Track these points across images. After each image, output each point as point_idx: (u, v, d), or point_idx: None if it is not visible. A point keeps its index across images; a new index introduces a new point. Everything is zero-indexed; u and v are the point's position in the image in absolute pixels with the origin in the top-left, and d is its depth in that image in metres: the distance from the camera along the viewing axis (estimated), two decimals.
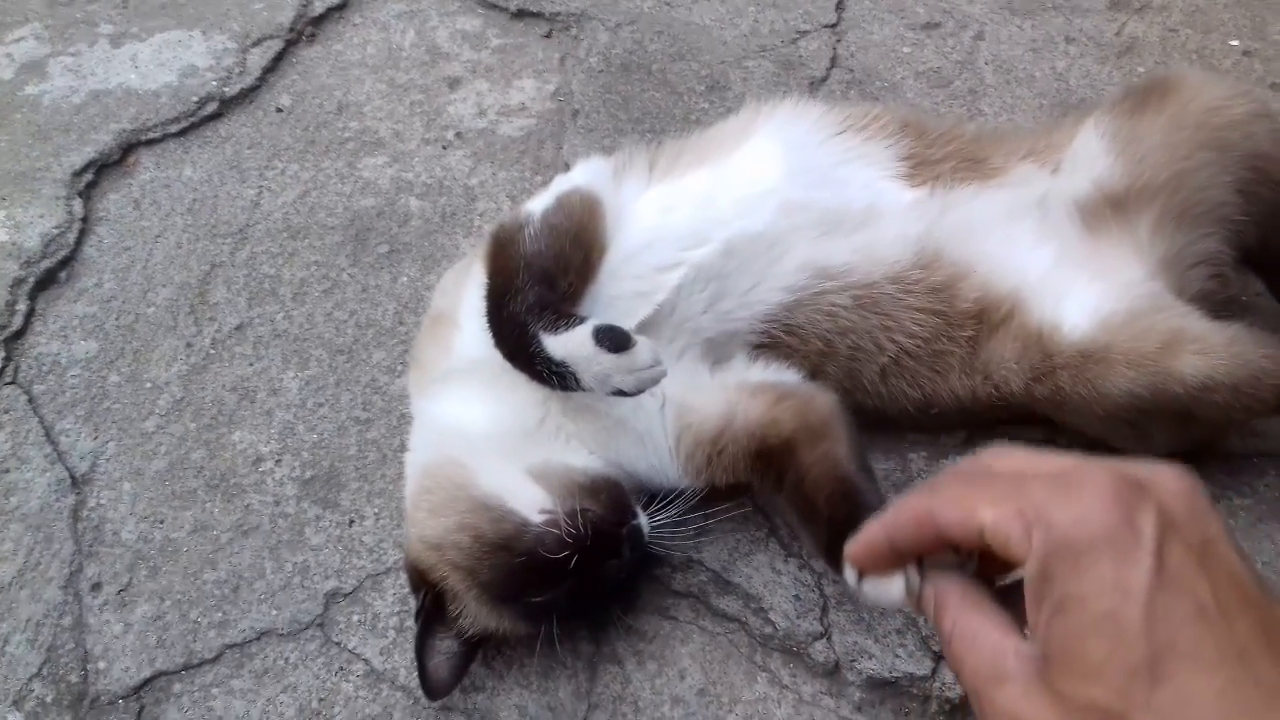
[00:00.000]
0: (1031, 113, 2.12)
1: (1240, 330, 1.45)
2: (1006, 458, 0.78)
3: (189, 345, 1.89)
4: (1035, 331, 1.52)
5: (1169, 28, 2.25)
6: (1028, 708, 0.68)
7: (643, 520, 1.44)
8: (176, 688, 1.54)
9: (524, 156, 2.12)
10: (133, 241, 2.05)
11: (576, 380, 1.33)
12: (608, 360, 1.30)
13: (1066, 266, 1.56)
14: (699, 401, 1.52)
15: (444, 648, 1.44)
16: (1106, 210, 1.55)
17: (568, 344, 1.32)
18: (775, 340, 1.57)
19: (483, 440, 1.48)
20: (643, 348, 1.30)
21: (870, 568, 0.86)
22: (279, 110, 2.23)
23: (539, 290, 1.38)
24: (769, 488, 1.50)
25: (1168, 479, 0.70)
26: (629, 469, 1.51)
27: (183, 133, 2.20)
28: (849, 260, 1.55)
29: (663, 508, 1.48)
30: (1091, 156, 1.57)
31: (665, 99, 2.19)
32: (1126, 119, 1.57)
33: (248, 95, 2.26)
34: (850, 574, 1.21)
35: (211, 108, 2.23)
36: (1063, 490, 0.70)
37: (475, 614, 1.42)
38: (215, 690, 1.53)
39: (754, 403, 1.51)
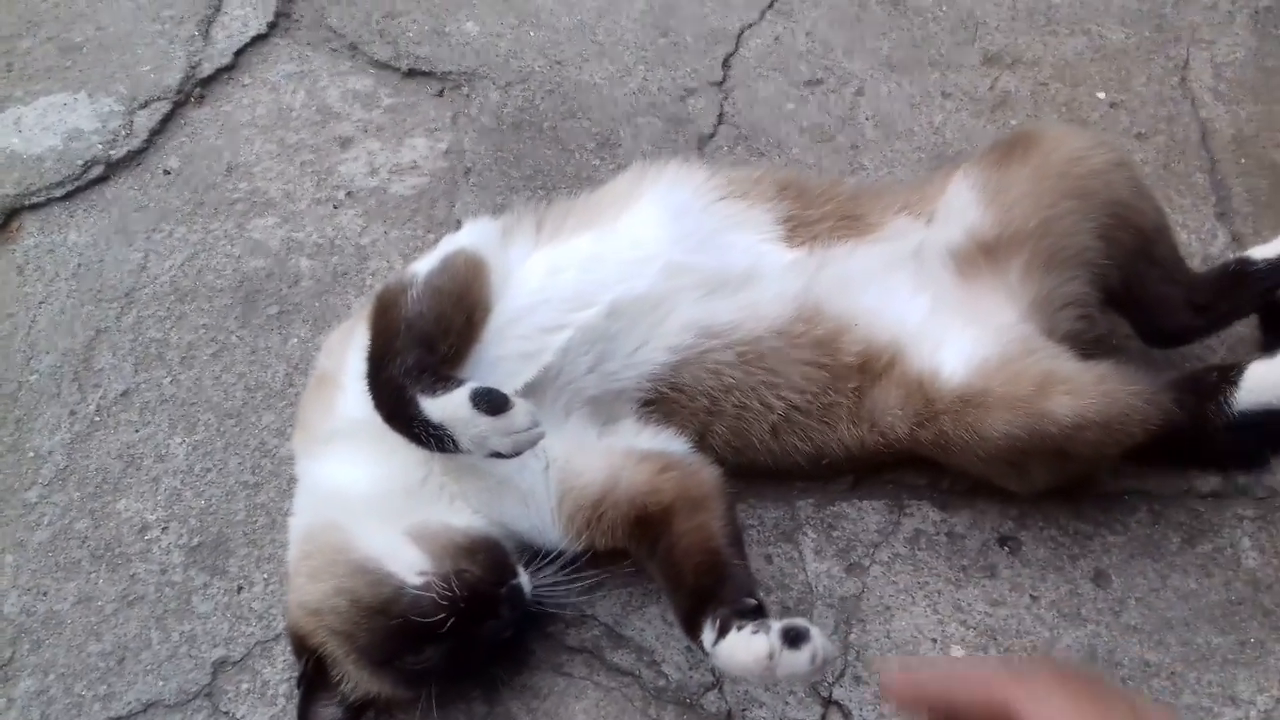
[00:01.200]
0: (911, 166, 2.19)
1: (1108, 369, 1.52)
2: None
3: (73, 413, 1.86)
4: (916, 379, 1.57)
5: (1039, 82, 2.34)
6: None
7: (524, 579, 1.45)
8: None
9: (416, 215, 2.13)
10: (16, 308, 2.02)
11: (454, 442, 1.34)
12: (485, 423, 1.31)
13: (942, 313, 1.62)
14: (583, 465, 1.54)
15: (327, 715, 1.43)
16: (979, 257, 1.61)
17: (445, 406, 1.33)
18: (662, 397, 1.59)
19: (362, 502, 1.48)
20: (520, 410, 1.32)
21: (901, 702, 0.84)
22: (166, 173, 2.21)
23: (418, 353, 1.39)
24: (643, 553, 1.51)
25: None
26: (512, 528, 1.52)
27: (68, 196, 2.18)
28: (732, 319, 1.59)
29: (546, 565, 1.48)
30: (963, 206, 1.64)
31: (556, 156, 2.22)
32: (994, 170, 1.64)
33: (134, 158, 2.24)
34: (708, 637, 1.24)
35: (97, 171, 2.20)
36: None
37: (356, 679, 1.42)
38: None
39: (638, 470, 1.53)
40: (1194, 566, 1.59)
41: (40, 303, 2.02)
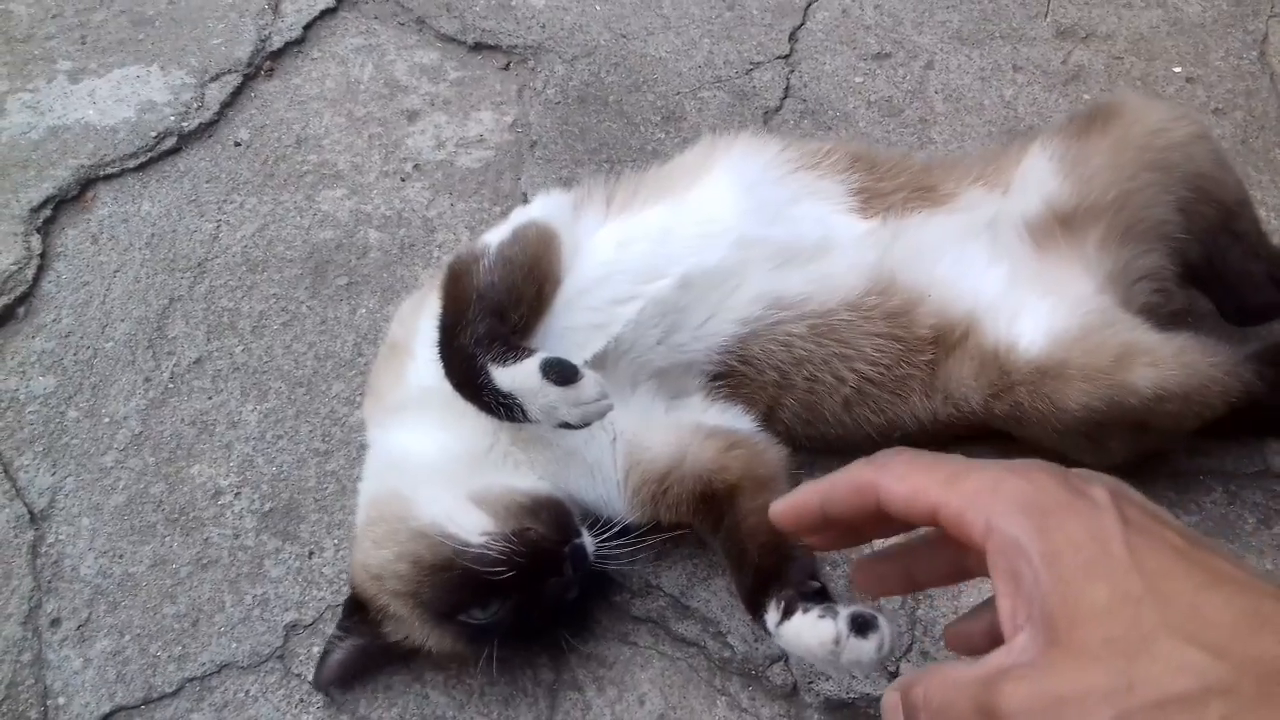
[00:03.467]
0: (980, 140, 2.16)
1: (1187, 340, 1.50)
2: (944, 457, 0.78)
3: (147, 380, 1.89)
4: (992, 350, 1.56)
5: (1114, 55, 2.30)
6: (1047, 683, 0.65)
7: (587, 540, 1.45)
8: None
9: (482, 188, 2.14)
10: (91, 277, 2.05)
11: (523, 412, 1.34)
12: (554, 393, 1.31)
13: (1019, 285, 1.59)
14: (651, 439, 1.54)
15: (352, 648, 1.49)
16: (1056, 228, 1.59)
17: (515, 375, 1.33)
18: (731, 371, 1.59)
19: (427, 469, 1.49)
20: (589, 382, 1.31)
21: (793, 527, 0.85)
22: (237, 144, 2.24)
23: (490, 322, 1.40)
24: (707, 528, 1.51)
25: (1101, 474, 0.73)
26: (577, 497, 1.52)
27: (141, 168, 2.20)
28: (804, 290, 1.58)
29: (610, 533, 1.49)
30: (1040, 178, 1.61)
31: (622, 129, 2.22)
32: (1073, 141, 1.61)
33: (206, 130, 2.26)
34: (772, 618, 1.23)
35: (170, 143, 2.23)
36: (1014, 472, 0.72)
37: (420, 635, 1.45)
38: None
39: (705, 446, 1.53)
40: (1270, 547, 1.56)
41: (115, 272, 2.05)
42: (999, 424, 1.58)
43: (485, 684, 1.52)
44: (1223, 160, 1.63)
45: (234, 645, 1.59)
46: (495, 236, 1.54)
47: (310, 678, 1.53)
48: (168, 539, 1.70)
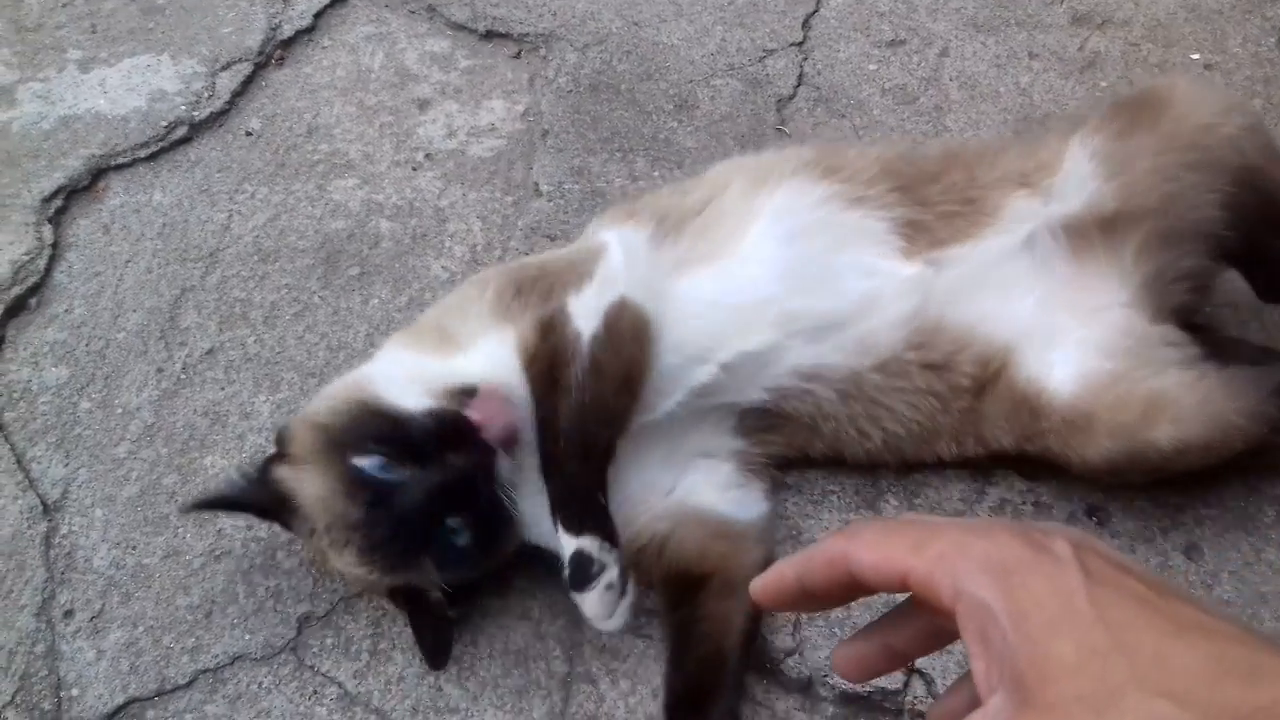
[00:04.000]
0: (996, 127, 2.14)
1: (1214, 384, 1.47)
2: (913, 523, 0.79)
3: (160, 370, 1.89)
4: (1023, 391, 1.54)
5: (1130, 42, 2.28)
6: None
7: (506, 464, 1.45)
8: (150, 714, 1.53)
9: (494, 177, 2.13)
10: (103, 267, 2.05)
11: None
12: (570, 586, 1.39)
13: (1052, 304, 1.57)
14: (643, 513, 1.56)
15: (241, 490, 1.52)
16: (1094, 232, 1.55)
17: (562, 542, 1.40)
18: (759, 412, 1.60)
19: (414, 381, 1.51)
20: (591, 600, 1.38)
21: (772, 603, 0.85)
22: (248, 134, 2.23)
23: (576, 467, 1.44)
24: (665, 603, 1.54)
25: (1063, 526, 0.73)
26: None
27: (152, 157, 2.20)
28: (840, 361, 1.56)
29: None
30: (1082, 179, 1.57)
31: (634, 118, 2.21)
32: (1117, 141, 1.56)
33: (217, 119, 2.26)
34: None
35: (181, 132, 2.23)
36: (977, 533, 0.71)
37: (310, 482, 1.45)
38: (189, 716, 1.53)
39: (693, 531, 1.54)
40: None
41: (126, 262, 2.05)
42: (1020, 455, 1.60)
43: (499, 675, 1.52)
44: (1273, 149, 1.58)
45: (247, 637, 1.59)
46: (587, 325, 1.49)
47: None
48: (180, 530, 1.70)
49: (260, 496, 1.50)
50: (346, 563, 1.43)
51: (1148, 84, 1.76)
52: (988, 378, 1.57)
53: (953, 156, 1.71)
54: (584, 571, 1.36)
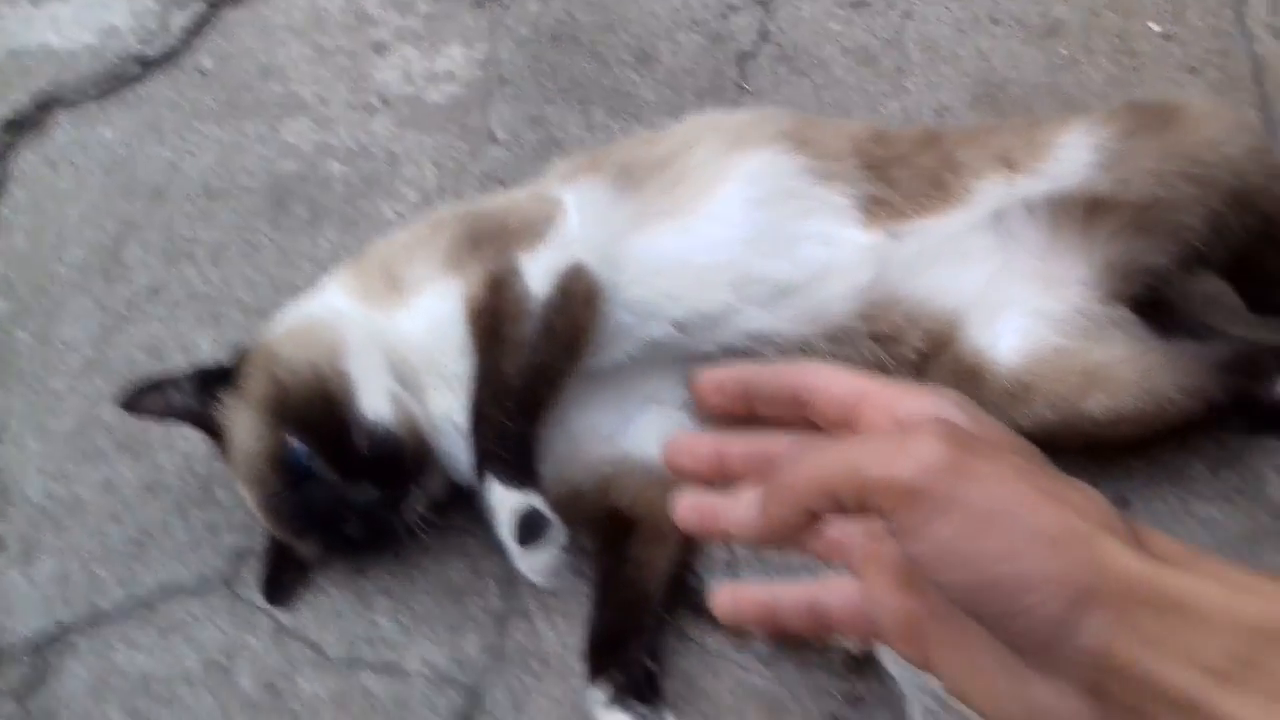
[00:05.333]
0: (956, 90, 2.14)
1: (1157, 360, 1.48)
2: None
3: (101, 306, 1.86)
4: (968, 364, 1.53)
5: (1093, 11, 2.28)
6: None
7: (417, 495, 1.48)
8: (81, 642, 1.52)
9: (450, 123, 2.10)
10: (47, 202, 2.01)
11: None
12: (510, 541, 1.35)
13: (1009, 279, 1.56)
14: (581, 460, 1.55)
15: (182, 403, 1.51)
16: (1077, 210, 1.54)
17: (498, 499, 1.36)
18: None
19: (373, 351, 1.51)
20: (538, 560, 1.35)
21: (711, 400, 0.86)
22: (201, 73, 2.19)
23: (515, 426, 1.41)
24: (595, 541, 1.54)
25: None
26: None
27: (101, 94, 2.16)
28: (789, 329, 1.54)
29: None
30: (1076, 164, 1.55)
31: (594, 69, 2.19)
32: (1122, 137, 1.55)
33: (169, 57, 2.21)
34: (598, 695, 1.39)
35: (131, 69, 2.18)
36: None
37: (242, 424, 1.47)
38: (118, 644, 1.51)
39: (631, 479, 1.54)
40: (1218, 495, 1.55)
41: (71, 197, 2.02)
42: None
43: (434, 610, 1.51)
44: (1275, 170, 1.57)
45: (182, 569, 1.57)
46: (540, 285, 1.47)
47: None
48: (117, 464, 1.67)
49: (199, 413, 1.50)
50: (248, 498, 1.50)
51: (1166, 97, 1.77)
52: (933, 350, 1.56)
53: (932, 138, 1.68)
54: (536, 529, 1.34)
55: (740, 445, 0.84)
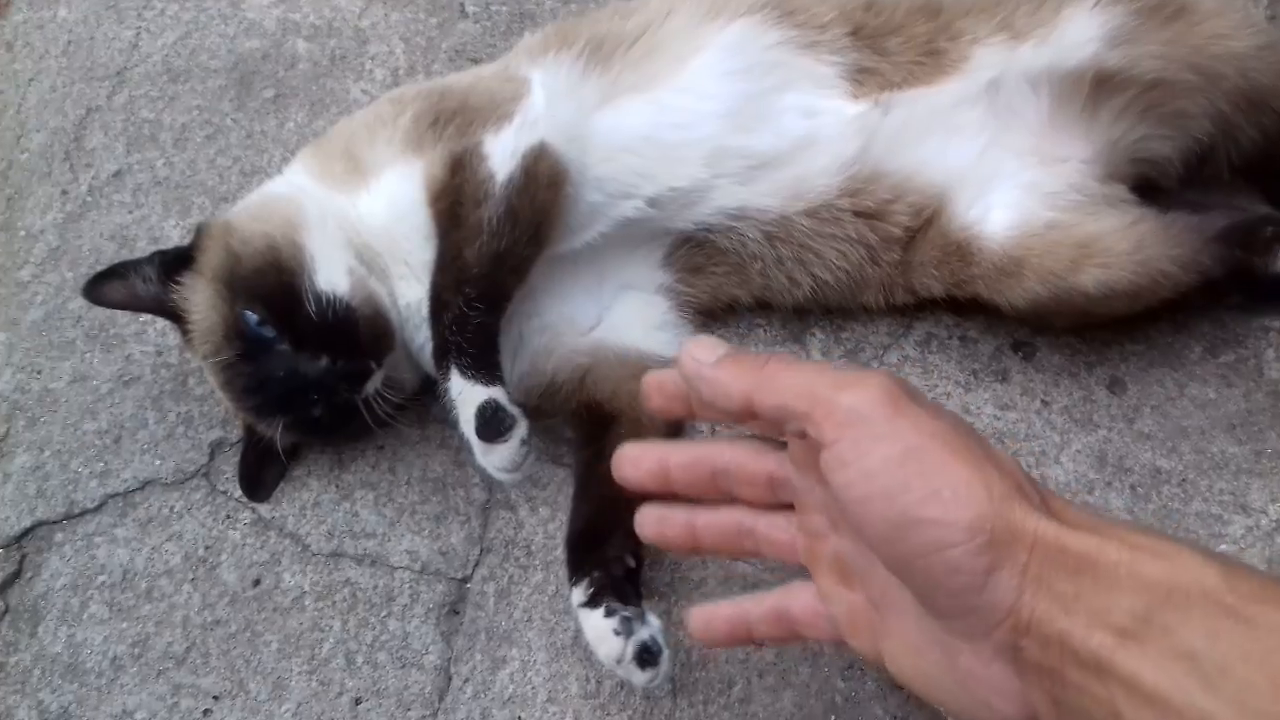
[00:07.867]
0: None
1: (1150, 230, 1.43)
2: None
3: (64, 192, 1.80)
4: (957, 239, 1.49)
5: None
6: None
7: (379, 376, 1.42)
8: (58, 537, 1.51)
9: None
10: (5, 85, 1.94)
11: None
12: (473, 438, 1.27)
13: (1003, 152, 1.51)
14: (559, 351, 1.51)
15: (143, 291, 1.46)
16: (1086, 85, 1.48)
17: (460, 392, 1.29)
18: (685, 252, 1.56)
19: (335, 232, 1.45)
20: (503, 454, 1.27)
21: (661, 402, 0.98)
22: None
23: (477, 313, 1.33)
24: (578, 436, 1.51)
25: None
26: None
27: None
28: (770, 203, 1.50)
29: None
30: (1083, 39, 1.48)
31: None
32: (1131, 19, 1.48)
33: None
34: (578, 595, 1.33)
35: None
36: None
37: (198, 301, 1.43)
38: (98, 539, 1.50)
39: (613, 369, 1.50)
40: (1214, 376, 1.54)
41: (30, 80, 1.94)
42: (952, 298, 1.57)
43: (417, 502, 1.50)
44: None
45: (157, 462, 1.55)
46: (502, 167, 1.40)
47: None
48: (88, 355, 1.64)
49: (163, 300, 1.45)
50: (210, 379, 1.47)
51: None
52: (920, 227, 1.52)
53: (933, 8, 1.58)
54: (497, 423, 1.27)
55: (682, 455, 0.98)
